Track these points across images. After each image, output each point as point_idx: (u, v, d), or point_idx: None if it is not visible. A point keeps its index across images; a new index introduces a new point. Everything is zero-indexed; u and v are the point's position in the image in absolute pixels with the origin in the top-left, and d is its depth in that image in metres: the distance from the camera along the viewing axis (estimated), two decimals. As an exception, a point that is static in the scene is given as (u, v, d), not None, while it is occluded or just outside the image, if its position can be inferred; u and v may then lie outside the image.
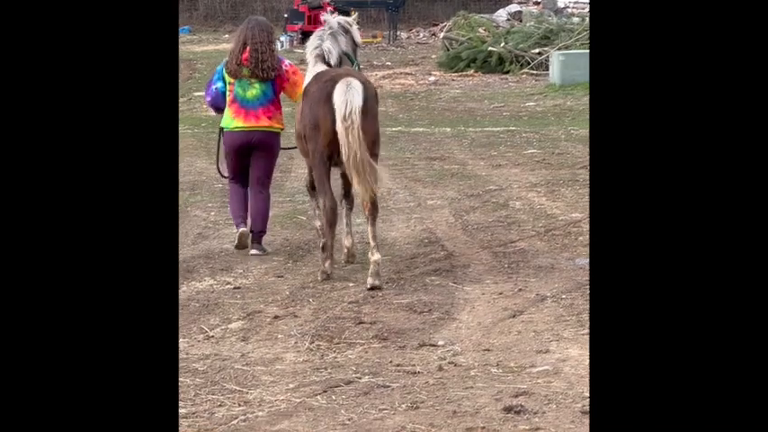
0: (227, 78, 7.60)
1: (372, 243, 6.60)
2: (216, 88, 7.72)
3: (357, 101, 6.48)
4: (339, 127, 6.49)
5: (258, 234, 7.61)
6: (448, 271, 6.93)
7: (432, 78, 22.28)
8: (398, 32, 32.50)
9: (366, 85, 6.66)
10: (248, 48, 7.50)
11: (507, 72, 22.46)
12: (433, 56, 25.58)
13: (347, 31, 7.38)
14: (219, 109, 7.77)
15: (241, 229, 7.53)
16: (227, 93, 7.62)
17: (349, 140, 6.43)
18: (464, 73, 22.92)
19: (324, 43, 7.22)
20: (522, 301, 6.16)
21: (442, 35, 26.58)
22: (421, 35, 33.74)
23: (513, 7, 31.42)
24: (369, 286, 6.47)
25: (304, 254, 7.54)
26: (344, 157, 6.48)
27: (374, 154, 6.61)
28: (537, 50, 22.56)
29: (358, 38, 7.51)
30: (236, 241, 7.55)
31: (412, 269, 7.01)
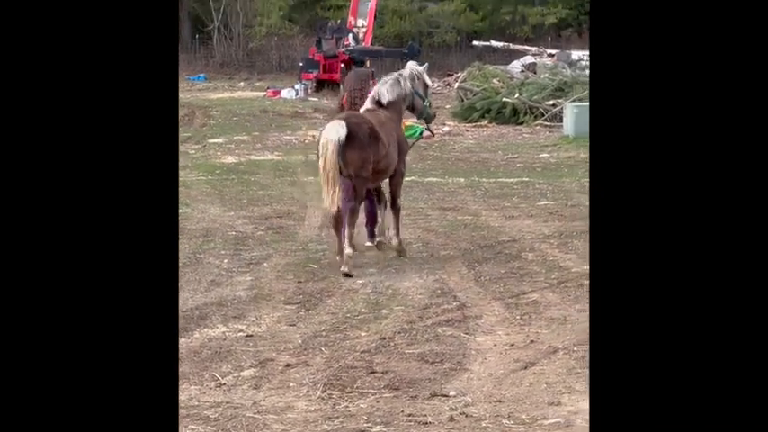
0: None
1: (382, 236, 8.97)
2: None
3: (333, 135, 8.36)
4: (319, 159, 8.45)
5: (370, 231, 9.32)
6: (460, 321, 6.95)
7: (446, 128, 22.39)
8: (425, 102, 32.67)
9: (355, 124, 8.51)
10: (346, 93, 9.44)
11: (521, 123, 22.58)
12: (448, 106, 25.72)
13: (418, 77, 9.39)
14: None
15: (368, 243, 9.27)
16: None
17: (322, 166, 8.40)
18: (478, 123, 23.04)
19: (381, 87, 9.14)
20: (534, 353, 6.18)
21: (456, 85, 26.76)
22: (436, 85, 33.90)
23: (528, 59, 31.63)
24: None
25: (317, 303, 7.58)
26: (322, 181, 8.46)
27: (359, 177, 8.55)
28: (551, 102, 22.70)
29: (428, 81, 9.60)
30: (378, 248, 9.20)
31: (424, 319, 7.04)
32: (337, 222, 8.61)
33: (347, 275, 8.30)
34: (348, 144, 8.40)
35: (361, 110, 9.02)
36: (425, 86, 9.51)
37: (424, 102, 9.47)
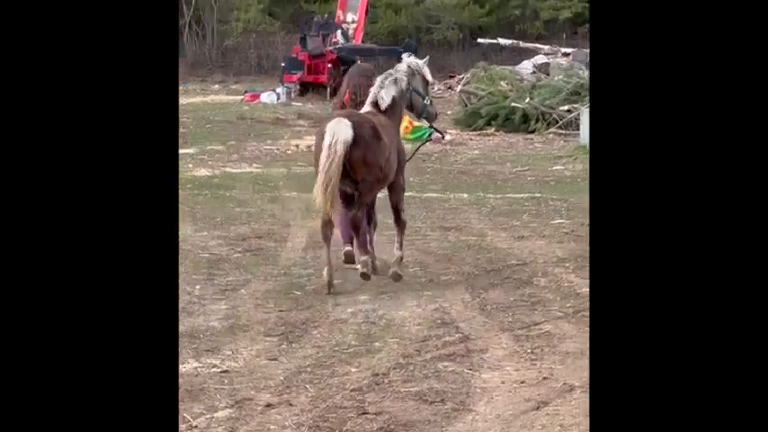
0: None
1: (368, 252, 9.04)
2: None
3: (343, 135, 8.52)
4: (323, 155, 8.52)
5: (362, 244, 9.27)
6: (463, 356, 6.96)
7: (447, 137, 22.41)
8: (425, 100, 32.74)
9: (359, 124, 8.69)
10: (349, 90, 9.63)
11: (532, 131, 22.65)
12: (449, 112, 25.78)
13: (417, 72, 9.58)
14: None
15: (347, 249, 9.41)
16: None
17: (326, 166, 8.50)
18: (484, 131, 23.10)
19: (380, 91, 9.31)
20: (548, 391, 6.19)
21: (459, 88, 26.84)
22: (435, 88, 33.95)
23: (540, 59, 31.70)
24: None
25: (301, 334, 7.58)
26: (319, 183, 8.53)
27: (365, 180, 8.82)
28: (566, 107, 22.78)
29: (428, 76, 9.77)
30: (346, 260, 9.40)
31: (422, 353, 7.04)
32: (328, 231, 8.82)
33: (365, 276, 8.84)
34: (353, 145, 8.60)
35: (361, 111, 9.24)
36: (425, 82, 9.74)
37: (424, 99, 9.70)
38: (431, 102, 9.86)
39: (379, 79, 9.44)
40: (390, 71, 9.56)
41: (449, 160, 19.12)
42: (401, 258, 9.27)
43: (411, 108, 9.80)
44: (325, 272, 8.85)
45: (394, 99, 9.34)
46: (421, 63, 9.70)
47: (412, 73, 9.57)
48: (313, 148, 9.20)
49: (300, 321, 7.93)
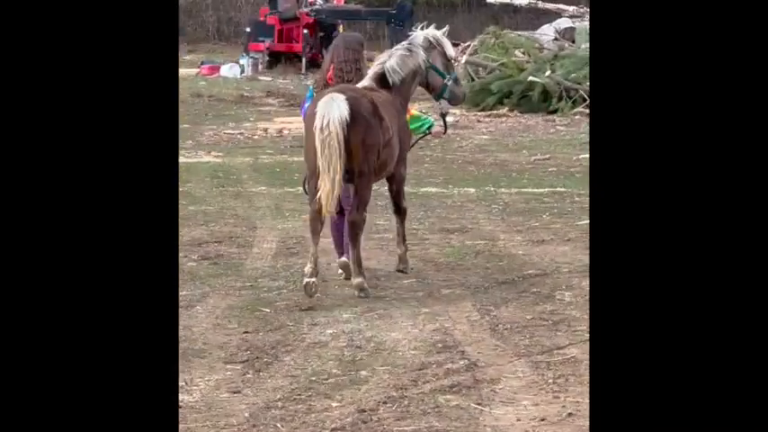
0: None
1: (354, 269, 9.21)
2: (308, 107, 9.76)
3: (336, 113, 8.73)
4: (317, 138, 8.75)
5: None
6: (470, 387, 6.96)
7: (450, 119, 22.42)
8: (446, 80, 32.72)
9: (356, 100, 8.92)
10: (333, 66, 9.67)
11: (554, 111, 22.69)
12: (452, 88, 25.77)
13: (436, 44, 9.83)
14: None
15: (343, 259, 9.58)
16: None
17: (326, 152, 8.73)
18: (494, 112, 23.14)
19: (388, 61, 9.58)
20: (573, 431, 6.19)
21: (464, 59, 26.83)
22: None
23: (564, 22, 31.67)
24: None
25: (270, 361, 7.57)
26: (321, 169, 8.76)
27: (363, 174, 9.06)
28: (595, 82, 22.80)
29: (450, 50, 10.02)
30: (344, 273, 9.62)
31: (420, 384, 7.04)
32: (318, 224, 9.07)
33: (363, 291, 9.16)
34: (350, 124, 8.83)
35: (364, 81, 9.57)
36: (446, 58, 9.98)
37: (445, 79, 9.94)
38: (456, 80, 10.14)
39: (389, 52, 9.81)
40: (403, 42, 9.85)
41: (452, 147, 19.14)
42: (405, 253, 9.94)
43: (428, 88, 10.00)
44: (307, 268, 9.02)
45: (408, 73, 9.65)
46: (440, 34, 9.92)
47: (430, 46, 9.79)
48: (303, 134, 9.45)
49: (269, 345, 7.93)
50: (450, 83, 9.96)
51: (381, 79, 9.54)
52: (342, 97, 8.84)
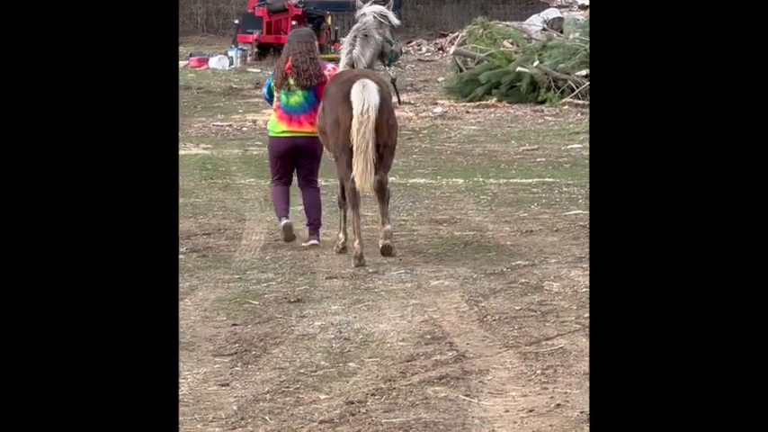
0: (274, 88, 11.02)
1: (382, 219, 10.30)
2: (266, 99, 11.45)
3: (374, 99, 9.97)
4: (354, 121, 9.95)
5: (314, 225, 10.96)
6: (458, 378, 6.96)
7: (438, 109, 22.47)
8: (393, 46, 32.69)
9: (380, 85, 10.20)
10: (290, 58, 10.83)
11: (543, 102, 22.71)
12: (441, 78, 25.84)
13: (384, 20, 10.98)
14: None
15: (284, 222, 10.84)
16: (275, 100, 11.07)
17: (362, 132, 9.92)
18: (483, 102, 23.15)
19: (354, 50, 10.73)
20: (561, 422, 6.19)
21: (452, 50, 26.86)
22: (423, 49, 34.04)
23: (552, 13, 31.72)
24: (381, 246, 10.23)
25: (259, 354, 7.57)
26: (355, 149, 9.95)
27: (387, 145, 10.24)
28: (583, 72, 22.80)
29: (395, 20, 11.24)
30: (283, 234, 10.90)
31: (408, 376, 7.04)
32: (356, 199, 10.19)
33: (360, 263, 9.96)
34: (380, 109, 10.02)
35: (339, 69, 10.77)
36: (392, 28, 11.17)
37: (392, 45, 11.14)
38: (394, 43, 11.22)
39: (348, 38, 10.91)
40: (357, 26, 10.89)
41: (440, 138, 19.15)
42: (389, 231, 10.38)
43: (381, 57, 11.07)
44: (356, 244, 10.06)
45: (372, 55, 10.82)
46: (384, 9, 11.08)
47: (379, 23, 10.94)
48: (318, 114, 10.52)
49: (258, 337, 7.92)
50: (395, 48, 11.25)
51: (352, 66, 10.69)
52: (373, 85, 10.06)
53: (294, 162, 11.02)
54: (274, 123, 11.02)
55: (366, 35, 10.82)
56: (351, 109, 10.00)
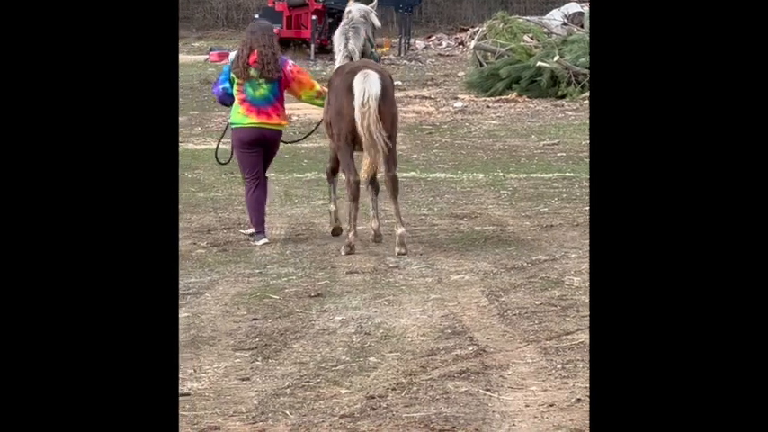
0: (236, 79, 10.96)
1: (396, 219, 10.28)
2: (223, 88, 11.15)
3: (374, 89, 10.01)
4: (356, 112, 10.02)
5: (260, 230, 10.88)
6: (479, 373, 6.96)
7: (458, 104, 22.45)
8: (412, 40, 32.70)
9: (382, 75, 10.28)
10: (256, 51, 10.82)
11: (563, 96, 22.67)
12: (461, 73, 25.80)
13: (366, 19, 11.01)
14: (226, 105, 11.33)
15: (262, 241, 10.82)
16: (236, 92, 10.98)
17: (365, 124, 9.97)
18: (503, 97, 23.12)
19: (349, 43, 10.83)
20: (582, 416, 6.18)
21: (472, 44, 26.83)
22: (444, 44, 34.01)
23: (572, 7, 31.65)
24: (396, 253, 10.10)
25: (279, 348, 7.57)
26: (364, 142, 10.06)
27: (390, 135, 10.12)
28: (604, 67, 22.77)
29: (376, 22, 11.19)
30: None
31: (428, 370, 7.04)
32: (358, 193, 10.33)
33: (351, 251, 10.21)
34: (382, 98, 10.10)
35: (337, 64, 10.89)
36: (374, 29, 11.26)
37: (372, 47, 11.20)
38: (374, 45, 11.33)
39: (340, 33, 11.01)
40: (345, 21, 11.02)
41: (460, 132, 19.13)
42: (403, 235, 10.33)
43: (362, 56, 11.01)
44: (351, 234, 10.31)
45: (363, 47, 10.89)
46: (369, 8, 11.18)
47: (365, 22, 11.05)
48: (324, 108, 10.69)
49: (278, 332, 7.93)
50: (375, 53, 11.28)
51: (350, 60, 10.76)
52: (375, 74, 10.13)
53: (256, 152, 10.97)
54: (242, 116, 10.93)
55: (355, 28, 10.94)
56: (353, 100, 10.12)
